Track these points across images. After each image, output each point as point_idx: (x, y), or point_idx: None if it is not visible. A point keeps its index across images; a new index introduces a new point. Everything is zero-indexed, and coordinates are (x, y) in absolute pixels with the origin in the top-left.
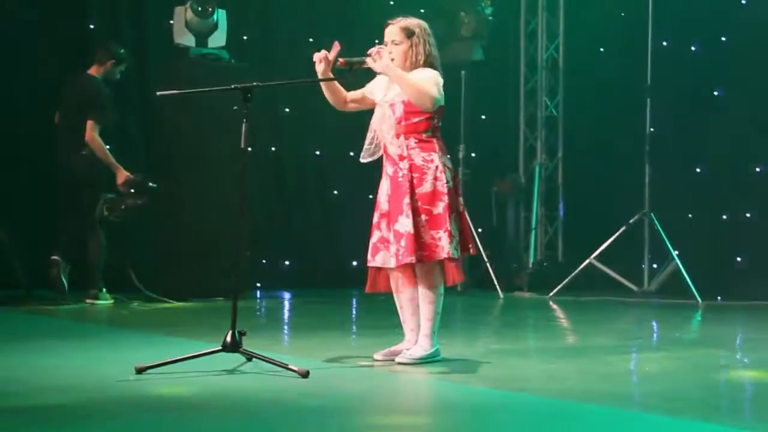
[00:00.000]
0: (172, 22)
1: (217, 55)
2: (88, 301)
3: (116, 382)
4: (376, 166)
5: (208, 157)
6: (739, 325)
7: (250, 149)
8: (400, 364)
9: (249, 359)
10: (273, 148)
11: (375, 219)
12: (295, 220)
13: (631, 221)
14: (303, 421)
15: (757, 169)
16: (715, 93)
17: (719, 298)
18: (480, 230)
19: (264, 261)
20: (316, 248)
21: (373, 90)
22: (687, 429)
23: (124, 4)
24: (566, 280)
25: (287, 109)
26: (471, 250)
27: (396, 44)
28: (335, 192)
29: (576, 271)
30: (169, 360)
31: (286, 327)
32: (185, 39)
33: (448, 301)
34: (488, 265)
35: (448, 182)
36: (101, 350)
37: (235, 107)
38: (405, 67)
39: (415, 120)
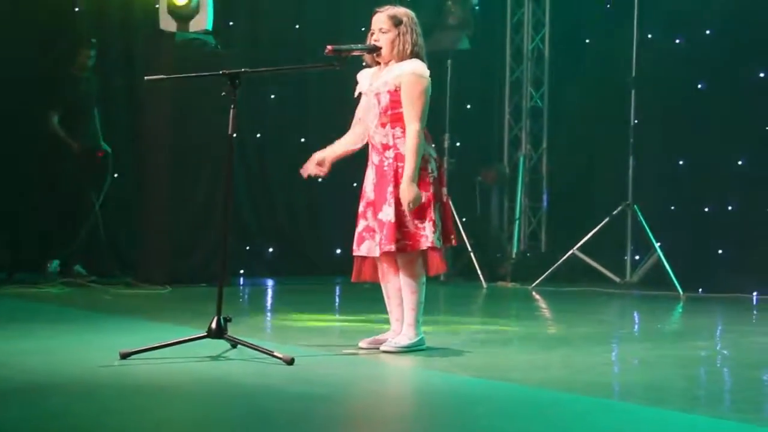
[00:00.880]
0: (158, 6)
1: (203, 41)
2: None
3: (100, 367)
4: (361, 155)
5: (194, 142)
6: (720, 317)
7: (235, 135)
8: (384, 352)
9: (234, 346)
10: (258, 135)
11: (361, 208)
12: (279, 207)
13: (614, 213)
14: (289, 408)
15: (740, 162)
16: (699, 86)
17: (701, 290)
18: (464, 220)
19: (248, 247)
20: (301, 235)
21: (359, 80)
22: (668, 419)
23: None
24: (549, 271)
25: (273, 96)
26: (453, 241)
27: (383, 32)
28: (320, 179)
29: (559, 262)
30: (154, 345)
31: (270, 314)
32: (169, 24)
33: (431, 290)
34: (472, 254)
35: (432, 172)
36: (85, 335)
37: (223, 93)
38: (392, 56)
39: (401, 110)
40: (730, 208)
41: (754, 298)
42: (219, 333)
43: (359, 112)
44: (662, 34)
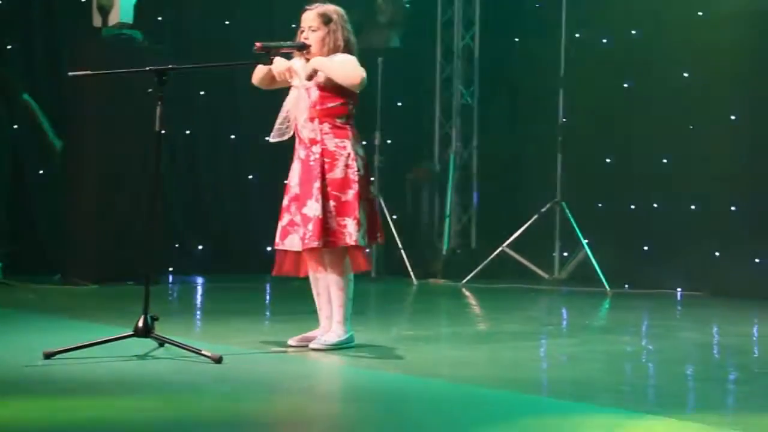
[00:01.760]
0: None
1: (130, 36)
2: None
3: (24, 367)
4: (288, 149)
5: (121, 139)
6: (646, 313)
7: (163, 132)
8: (313, 350)
9: (161, 345)
10: (187, 131)
11: (285, 202)
12: (209, 204)
13: (542, 210)
14: (216, 406)
15: (664, 161)
16: (625, 85)
17: (627, 285)
18: (395, 217)
19: (177, 245)
20: (230, 233)
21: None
22: (594, 414)
23: None
24: (479, 267)
25: (202, 92)
26: (379, 239)
27: (313, 30)
28: (250, 176)
29: (488, 259)
30: (79, 345)
31: (198, 312)
32: (96, 20)
33: (361, 287)
34: (402, 251)
35: (359, 170)
36: (8, 334)
37: (150, 90)
38: (322, 53)
39: (331, 105)
40: (655, 205)
41: (678, 294)
42: (146, 332)
43: (287, 104)
44: (590, 33)
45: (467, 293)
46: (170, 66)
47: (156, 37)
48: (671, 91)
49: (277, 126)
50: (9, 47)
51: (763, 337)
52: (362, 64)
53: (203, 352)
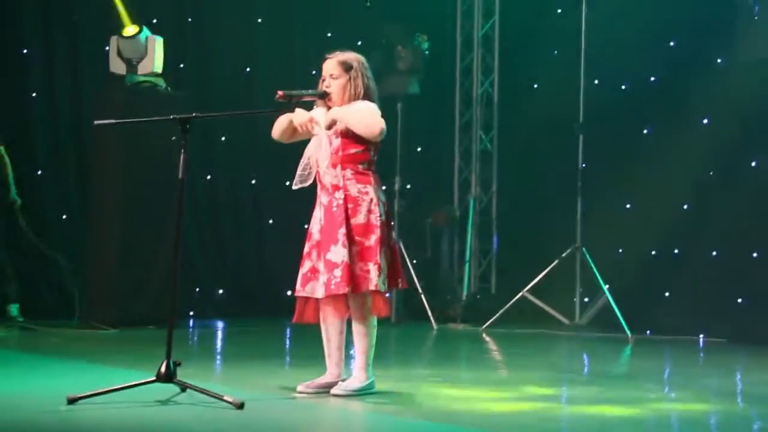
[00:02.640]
0: (107, 48)
1: (153, 84)
2: None
3: (47, 412)
4: (312, 196)
5: (144, 184)
6: (667, 359)
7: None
8: (335, 396)
9: (183, 390)
10: (208, 176)
11: (306, 249)
12: (229, 248)
13: (563, 255)
14: None
15: (685, 207)
16: (644, 131)
17: (648, 331)
18: (414, 261)
19: (197, 289)
20: (251, 277)
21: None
22: None
23: (58, 31)
24: (499, 313)
25: (223, 138)
26: (400, 284)
27: (334, 78)
28: (270, 221)
29: (509, 304)
30: (102, 390)
31: (219, 357)
32: (119, 67)
33: (382, 332)
34: (422, 296)
35: (381, 215)
36: (31, 379)
37: (174, 137)
38: (343, 101)
39: (353, 151)
40: (676, 251)
41: (701, 340)
42: (168, 377)
43: (309, 150)
44: (608, 80)
45: (487, 338)
46: (194, 114)
47: (179, 84)
48: (690, 137)
49: (299, 173)
50: (34, 95)
51: None
52: (382, 111)
53: (225, 398)
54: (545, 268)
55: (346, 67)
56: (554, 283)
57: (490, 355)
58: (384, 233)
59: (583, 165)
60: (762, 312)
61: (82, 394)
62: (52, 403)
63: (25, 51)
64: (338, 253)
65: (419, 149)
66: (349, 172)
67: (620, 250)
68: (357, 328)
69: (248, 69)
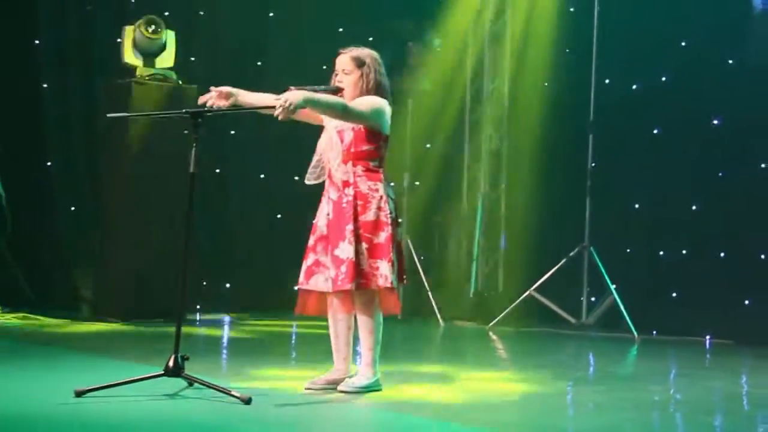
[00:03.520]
0: (120, 40)
1: (164, 76)
2: None
3: (57, 405)
4: (320, 190)
5: (154, 178)
6: (674, 360)
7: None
8: (342, 392)
9: (191, 384)
10: (218, 170)
11: (311, 242)
12: (238, 242)
13: (571, 254)
14: None
15: (693, 207)
16: (655, 131)
17: (654, 332)
18: (422, 258)
19: (204, 283)
20: (258, 271)
21: None
22: None
23: (71, 21)
24: (506, 311)
25: (233, 132)
26: (405, 281)
27: (346, 73)
28: (279, 216)
29: (516, 302)
30: (110, 384)
31: (225, 351)
32: (133, 59)
33: (388, 328)
34: (429, 293)
35: (391, 212)
36: (39, 371)
37: (186, 131)
38: (355, 96)
39: (365, 148)
40: (684, 252)
41: (707, 341)
42: (176, 371)
43: (320, 146)
44: (619, 79)
45: (494, 336)
46: (206, 109)
47: (189, 77)
48: (700, 138)
49: (311, 169)
50: (45, 85)
51: None
52: (392, 106)
53: (233, 392)
54: (553, 267)
55: (359, 63)
56: (561, 282)
57: (497, 353)
58: (394, 230)
59: (593, 164)
60: (765, 312)
61: (91, 387)
62: (62, 396)
63: (37, 42)
64: (345, 249)
65: (428, 146)
66: (360, 169)
67: (628, 250)
68: (363, 325)
69: (259, 63)
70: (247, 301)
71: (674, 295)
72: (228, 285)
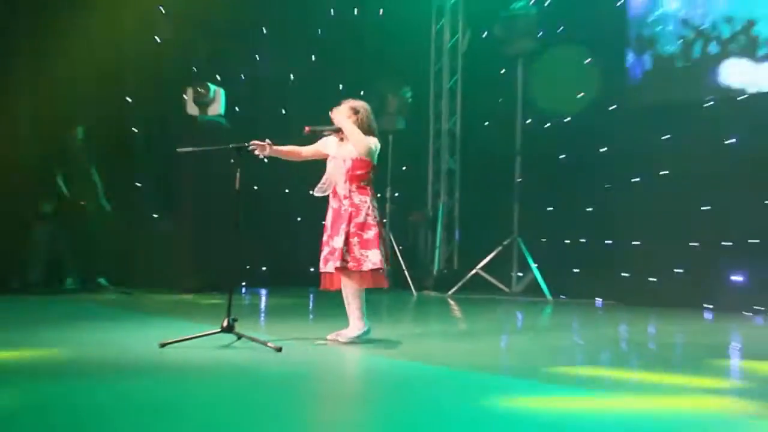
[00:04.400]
0: (186, 97)
1: (218, 122)
2: None
3: (145, 353)
4: (327, 201)
5: (211, 195)
6: (575, 317)
7: (239, 189)
8: (342, 342)
9: (239, 338)
10: (255, 187)
11: (324, 238)
12: (270, 237)
13: (504, 242)
14: (277, 382)
15: (588, 209)
16: (561, 156)
17: (563, 296)
18: (401, 247)
19: (248, 266)
20: (285, 258)
21: (327, 146)
22: (536, 387)
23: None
24: (460, 283)
25: (265, 160)
26: (389, 264)
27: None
28: (298, 219)
29: (466, 277)
30: (183, 338)
31: (263, 315)
32: (192, 110)
33: (375, 297)
34: (405, 272)
35: (376, 217)
36: (133, 330)
37: (232, 160)
38: None
39: (359, 172)
40: (582, 240)
41: (599, 302)
42: (229, 329)
43: (329, 169)
44: (538, 119)
45: (451, 302)
46: (245, 144)
47: (234, 122)
48: (593, 162)
49: (320, 185)
50: (135, 130)
51: (658, 335)
52: (381, 142)
53: (268, 344)
54: (492, 252)
55: (355, 111)
56: (498, 262)
57: (454, 314)
58: (380, 228)
59: (519, 179)
60: (637, 282)
61: (170, 340)
62: (151, 347)
63: (129, 99)
64: (338, 241)
65: (404, 168)
66: (354, 186)
67: (543, 240)
68: (352, 293)
69: (284, 111)
70: (278, 278)
71: (576, 270)
72: (264, 268)
